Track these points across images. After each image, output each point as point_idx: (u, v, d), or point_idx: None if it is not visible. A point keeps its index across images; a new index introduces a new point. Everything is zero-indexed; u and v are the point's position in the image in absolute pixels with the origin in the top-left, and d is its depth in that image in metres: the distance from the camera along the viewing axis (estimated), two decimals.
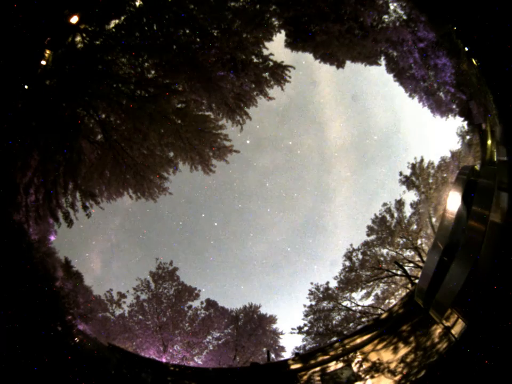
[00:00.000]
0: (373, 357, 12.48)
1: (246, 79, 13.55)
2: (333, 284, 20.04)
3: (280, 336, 22.11)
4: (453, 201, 9.92)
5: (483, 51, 9.93)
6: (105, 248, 47.91)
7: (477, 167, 12.66)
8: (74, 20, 10.93)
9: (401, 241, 19.82)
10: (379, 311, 19.41)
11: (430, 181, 19.06)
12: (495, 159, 11.43)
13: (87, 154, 13.38)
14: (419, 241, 19.33)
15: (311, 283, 20.11)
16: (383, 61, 16.15)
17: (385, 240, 20.00)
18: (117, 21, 11.65)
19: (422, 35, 13.33)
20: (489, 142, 13.29)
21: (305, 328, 19.35)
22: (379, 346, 12.73)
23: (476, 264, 8.30)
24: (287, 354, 21.54)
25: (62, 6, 10.41)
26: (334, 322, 19.47)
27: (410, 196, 20.02)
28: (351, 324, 19.30)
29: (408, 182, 19.42)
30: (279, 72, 13.71)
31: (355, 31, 13.79)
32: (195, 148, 14.59)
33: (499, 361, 6.99)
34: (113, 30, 11.66)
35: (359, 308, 19.88)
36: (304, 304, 20.02)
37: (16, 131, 10.72)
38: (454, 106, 15.35)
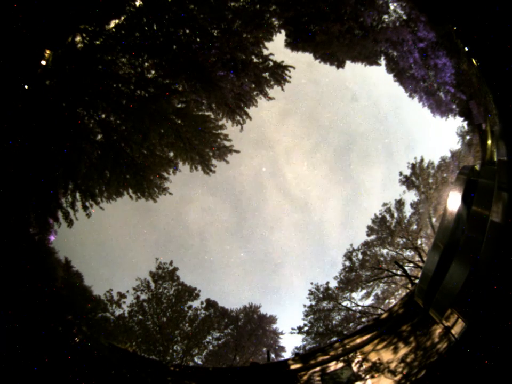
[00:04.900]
0: (373, 357, 12.47)
1: (246, 79, 13.56)
2: (333, 284, 20.09)
3: (280, 336, 22.14)
4: (453, 201, 9.91)
5: (483, 51, 9.94)
6: (105, 248, 47.90)
7: (477, 167, 12.65)
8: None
9: (401, 241, 19.82)
10: (379, 311, 19.41)
11: (430, 181, 19.07)
12: (495, 159, 11.43)
13: (87, 154, 13.38)
14: (419, 241, 19.34)
15: (311, 283, 20.16)
16: (383, 61, 16.17)
17: (385, 240, 20.01)
18: (117, 21, 11.66)
19: (422, 35, 13.33)
20: (489, 142, 13.29)
21: (305, 328, 19.36)
22: (379, 346, 12.73)
23: (476, 264, 8.30)
24: (287, 354, 21.59)
25: (62, 6, 10.41)
26: (334, 322, 19.47)
27: (410, 196, 20.04)
28: (351, 324, 19.30)
29: (408, 182, 19.43)
30: (279, 72, 13.72)
31: (355, 31, 13.80)
32: (195, 148, 14.59)
33: (499, 361, 6.99)
34: (113, 30, 11.67)
35: (359, 307, 19.89)
36: (304, 304, 20.06)
37: (16, 131, 10.72)
38: (454, 106, 15.36)
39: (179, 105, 13.79)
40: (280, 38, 14.34)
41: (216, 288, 49.49)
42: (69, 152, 12.51)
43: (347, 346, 13.45)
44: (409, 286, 18.73)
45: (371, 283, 20.01)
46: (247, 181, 55.70)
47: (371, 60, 15.91)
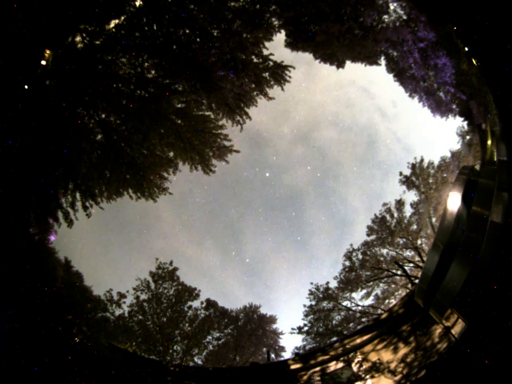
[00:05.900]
0: (373, 357, 12.47)
1: (246, 79, 13.57)
2: (333, 284, 20.08)
3: (280, 336, 22.13)
4: (453, 201, 9.91)
5: (483, 51, 9.94)
6: (105, 247, 47.87)
7: (477, 167, 12.65)
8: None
9: (401, 241, 19.82)
10: (379, 311, 19.41)
11: (430, 181, 19.06)
12: (495, 159, 11.43)
13: (87, 154, 13.38)
14: (419, 241, 19.32)
15: (311, 283, 20.15)
16: (383, 61, 16.16)
17: (385, 240, 20.00)
18: (117, 21, 11.68)
19: (422, 35, 13.33)
20: (489, 142, 13.28)
21: (305, 328, 19.34)
22: (379, 346, 12.72)
23: (476, 264, 8.30)
24: (287, 354, 21.57)
25: (62, 6, 10.41)
26: (334, 322, 19.46)
27: (410, 196, 20.03)
28: (351, 324, 19.29)
29: (408, 182, 19.42)
30: (279, 72, 13.73)
31: (355, 31, 13.80)
32: (195, 148, 14.61)
33: (499, 361, 6.99)
34: (113, 30, 11.68)
35: (359, 308, 19.88)
36: (304, 304, 20.04)
37: (16, 131, 10.72)
38: (454, 106, 15.36)
39: (179, 105, 13.80)
40: (280, 38, 14.38)
41: None
42: (69, 152, 12.52)
43: (347, 346, 13.45)
44: (409, 286, 18.73)
45: (371, 283, 20.00)
46: None
47: (371, 59, 15.92)
